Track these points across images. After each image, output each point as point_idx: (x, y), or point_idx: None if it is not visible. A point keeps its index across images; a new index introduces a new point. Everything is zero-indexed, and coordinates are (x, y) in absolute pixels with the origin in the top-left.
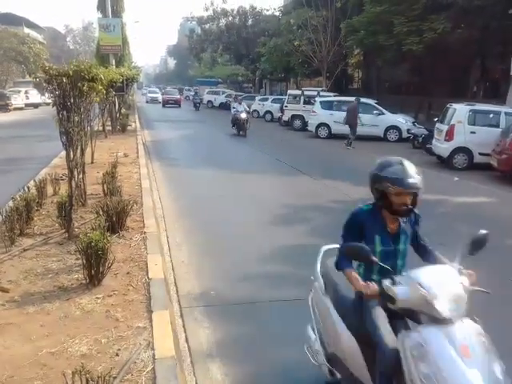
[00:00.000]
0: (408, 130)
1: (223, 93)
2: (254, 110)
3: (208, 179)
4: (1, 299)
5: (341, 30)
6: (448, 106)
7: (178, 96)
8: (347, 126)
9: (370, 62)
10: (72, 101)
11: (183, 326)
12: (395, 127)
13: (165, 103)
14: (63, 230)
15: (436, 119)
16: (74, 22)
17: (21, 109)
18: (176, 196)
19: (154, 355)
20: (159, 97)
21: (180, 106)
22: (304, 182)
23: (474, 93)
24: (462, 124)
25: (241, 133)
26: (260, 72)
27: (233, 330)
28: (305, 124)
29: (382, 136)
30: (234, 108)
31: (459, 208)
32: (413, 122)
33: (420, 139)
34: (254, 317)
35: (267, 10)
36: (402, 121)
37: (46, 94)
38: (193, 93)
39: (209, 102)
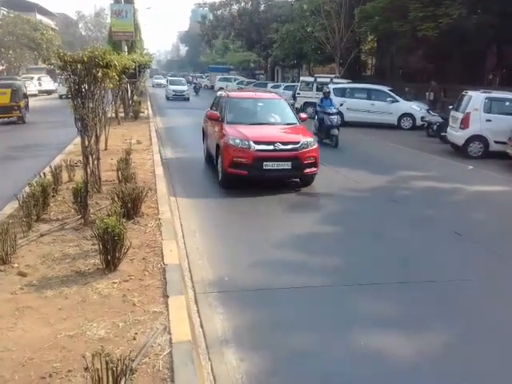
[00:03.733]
0: (422, 118)
1: (235, 79)
2: None
3: None
4: (19, 283)
5: (354, 16)
6: (463, 93)
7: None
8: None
9: (384, 48)
10: (86, 87)
11: (198, 312)
12: (409, 115)
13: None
14: (79, 216)
15: (451, 107)
16: (86, 8)
17: (34, 95)
18: (189, 183)
19: (170, 339)
20: (186, 91)
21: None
22: None
23: (489, 80)
24: (478, 112)
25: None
26: (272, 58)
27: (247, 315)
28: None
29: (396, 124)
30: (319, 107)
31: (474, 197)
32: (427, 110)
33: (434, 127)
34: (267, 303)
35: None
36: (417, 108)
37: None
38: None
39: (220, 88)
